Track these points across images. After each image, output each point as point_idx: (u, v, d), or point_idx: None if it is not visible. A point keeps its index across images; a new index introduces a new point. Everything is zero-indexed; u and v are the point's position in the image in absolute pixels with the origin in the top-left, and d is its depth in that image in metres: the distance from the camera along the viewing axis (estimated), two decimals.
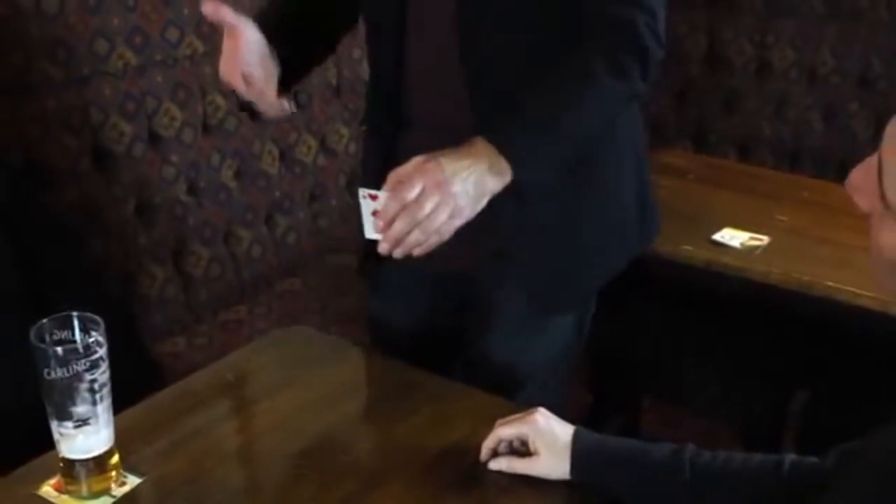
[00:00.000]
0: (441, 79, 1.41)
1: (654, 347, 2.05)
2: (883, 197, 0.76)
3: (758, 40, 2.85)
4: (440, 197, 1.19)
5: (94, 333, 1.08)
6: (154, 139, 2.09)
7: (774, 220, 1.97)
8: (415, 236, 1.20)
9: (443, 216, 1.19)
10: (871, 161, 0.78)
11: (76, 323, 1.10)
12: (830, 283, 1.72)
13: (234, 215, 2.27)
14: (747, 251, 1.85)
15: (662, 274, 1.88)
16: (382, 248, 1.22)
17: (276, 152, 2.34)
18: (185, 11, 2.10)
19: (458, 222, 1.22)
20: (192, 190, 2.17)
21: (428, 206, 1.19)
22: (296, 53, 1.42)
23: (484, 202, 1.23)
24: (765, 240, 1.88)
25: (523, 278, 1.47)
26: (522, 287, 1.48)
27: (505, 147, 1.24)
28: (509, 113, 1.28)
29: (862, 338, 1.77)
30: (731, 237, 1.88)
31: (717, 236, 1.89)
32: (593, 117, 1.33)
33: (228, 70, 1.34)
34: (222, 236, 2.25)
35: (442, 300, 1.59)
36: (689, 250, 1.86)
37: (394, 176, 1.21)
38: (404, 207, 1.19)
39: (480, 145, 1.24)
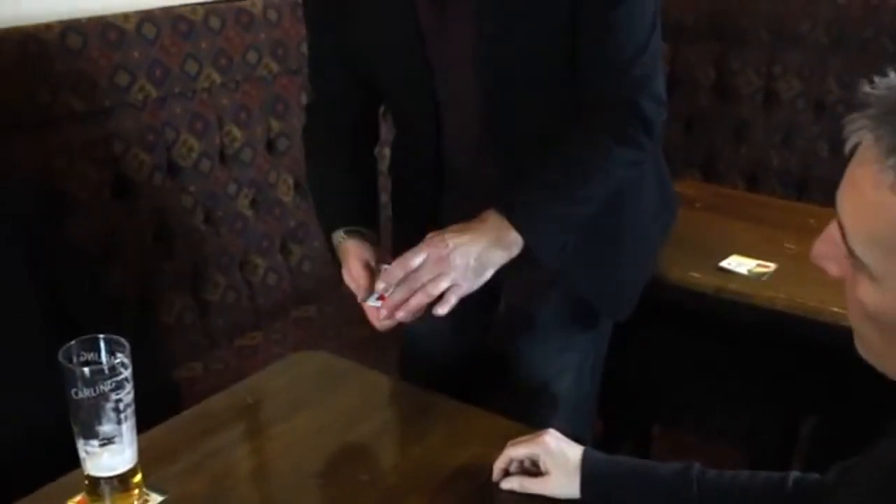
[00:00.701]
0: (469, 145, 1.49)
1: (664, 373, 2.08)
2: (851, 254, 0.77)
3: (765, 71, 2.89)
4: (440, 269, 1.28)
5: (119, 355, 1.12)
6: (173, 169, 2.14)
7: (782, 248, 1.99)
8: (416, 300, 1.28)
9: (442, 286, 1.28)
10: (831, 229, 0.80)
11: (102, 345, 1.14)
12: (836, 309, 1.74)
13: (251, 244, 2.31)
14: (754, 278, 1.88)
15: (671, 300, 1.90)
16: (381, 314, 1.31)
17: (290, 182, 2.39)
18: (203, 45, 2.16)
19: (458, 294, 1.30)
20: (209, 219, 2.22)
21: (425, 277, 1.27)
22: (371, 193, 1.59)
23: (487, 275, 1.32)
24: (772, 266, 1.91)
25: (569, 293, 1.56)
26: (567, 301, 1.56)
27: (513, 217, 1.33)
28: (520, 184, 1.36)
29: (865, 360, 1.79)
30: (739, 264, 1.92)
31: (724, 263, 1.92)
32: (603, 183, 1.40)
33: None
34: (238, 264, 2.29)
35: (473, 322, 1.66)
36: (697, 277, 1.89)
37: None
38: (406, 276, 1.28)
39: (490, 219, 1.33)
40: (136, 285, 2.07)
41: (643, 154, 1.41)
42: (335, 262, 1.47)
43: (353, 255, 1.40)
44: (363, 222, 1.47)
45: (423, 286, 1.28)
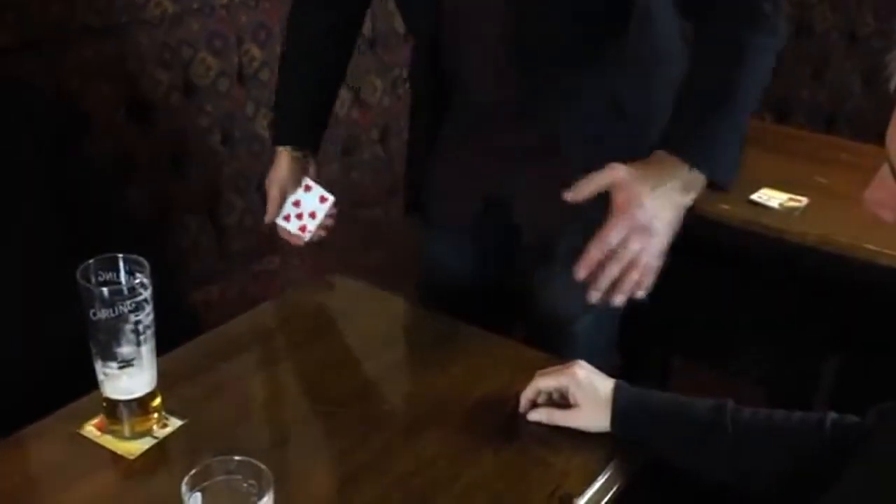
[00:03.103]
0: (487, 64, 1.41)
1: (686, 307, 2.03)
2: None
3: (798, 1, 2.81)
4: (644, 241, 1.21)
5: (139, 275, 1.09)
6: (189, 89, 2.08)
7: (813, 182, 1.94)
8: (629, 279, 1.22)
9: (650, 256, 1.22)
10: (882, 173, 0.76)
11: (122, 264, 1.10)
12: (870, 247, 1.70)
13: (268, 166, 2.25)
14: (786, 212, 1.83)
15: (697, 232, 1.85)
16: (593, 297, 1.23)
17: None
18: None
19: (662, 257, 1.24)
20: (226, 140, 2.17)
21: (635, 248, 1.20)
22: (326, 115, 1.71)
23: (680, 218, 1.25)
24: (804, 201, 1.86)
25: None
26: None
27: (696, 161, 1.23)
28: (674, 114, 1.27)
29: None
30: (770, 198, 1.87)
31: (755, 196, 1.87)
32: (754, 80, 1.29)
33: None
34: (256, 186, 2.25)
35: (495, 256, 1.63)
36: (726, 209, 1.84)
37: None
38: (610, 254, 1.20)
39: (668, 164, 1.23)
40: (152, 207, 2.04)
41: (781, 39, 1.30)
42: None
43: (275, 181, 1.61)
44: (307, 143, 1.64)
45: (633, 262, 1.21)
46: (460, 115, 1.51)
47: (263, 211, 2.23)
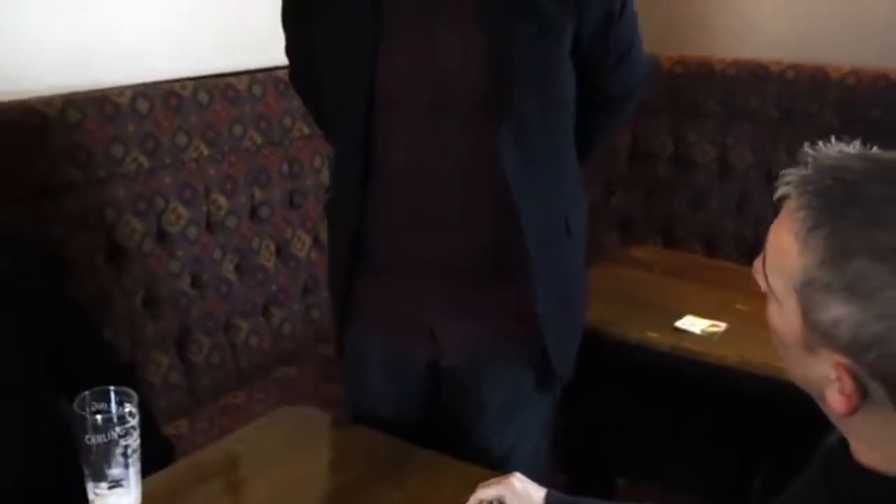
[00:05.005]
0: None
1: (624, 427, 2.20)
2: (766, 278, 0.94)
3: (719, 143, 3.08)
4: None
5: (127, 405, 1.24)
6: (161, 236, 2.26)
7: (733, 309, 2.14)
8: None
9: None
10: (763, 253, 0.96)
11: (112, 396, 1.25)
12: (779, 365, 1.88)
13: (234, 307, 2.43)
14: (707, 337, 2.02)
15: (630, 358, 2.04)
16: None
17: (273, 248, 2.52)
18: (193, 119, 2.30)
19: None
20: (195, 283, 2.34)
21: None
22: None
23: None
24: (723, 326, 2.05)
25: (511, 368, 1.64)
26: (525, 362, 1.64)
27: None
28: None
29: (810, 411, 1.92)
30: (693, 324, 2.06)
31: (679, 323, 2.06)
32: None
33: None
34: (223, 326, 2.40)
35: (420, 388, 1.71)
36: (654, 336, 2.03)
37: None
38: None
39: None
40: (125, 346, 2.18)
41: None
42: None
43: None
44: None
45: None
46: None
47: (230, 349, 2.41)
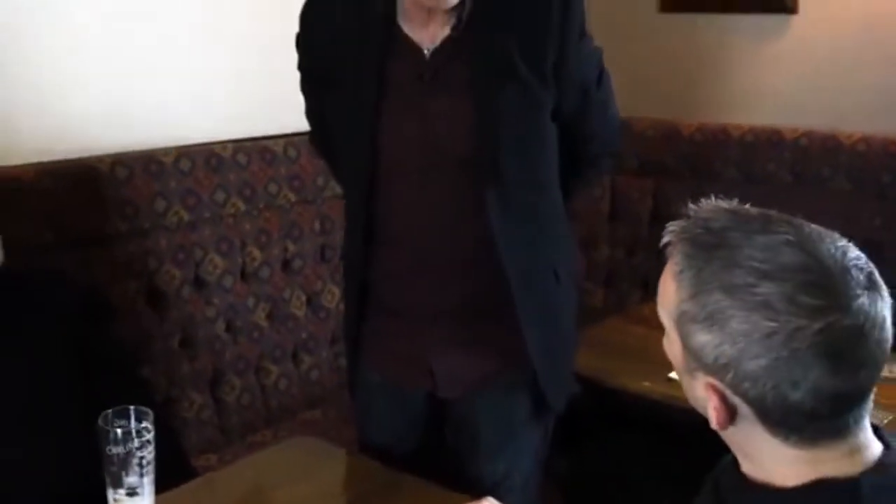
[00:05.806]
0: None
1: (620, 469, 2.32)
2: (658, 314, 1.08)
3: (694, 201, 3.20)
4: None
5: (144, 421, 1.42)
6: (199, 283, 2.45)
7: None
8: None
9: None
10: None
11: (132, 413, 1.43)
12: None
13: (265, 351, 2.60)
14: None
15: (626, 406, 2.17)
16: None
17: (303, 298, 2.69)
18: (231, 177, 2.50)
19: None
20: (229, 328, 2.52)
21: None
22: None
23: None
24: None
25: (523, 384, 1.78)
26: (516, 395, 1.78)
27: None
28: None
29: None
30: None
31: (672, 374, 2.16)
32: None
33: None
34: (254, 370, 2.57)
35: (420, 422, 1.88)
36: (648, 386, 2.16)
37: None
38: None
39: None
40: (161, 383, 2.36)
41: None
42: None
43: None
44: None
45: None
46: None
47: (260, 391, 2.57)
